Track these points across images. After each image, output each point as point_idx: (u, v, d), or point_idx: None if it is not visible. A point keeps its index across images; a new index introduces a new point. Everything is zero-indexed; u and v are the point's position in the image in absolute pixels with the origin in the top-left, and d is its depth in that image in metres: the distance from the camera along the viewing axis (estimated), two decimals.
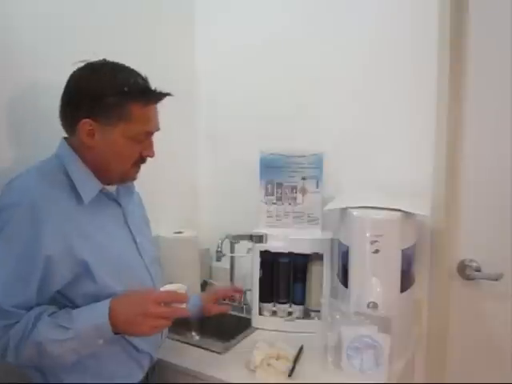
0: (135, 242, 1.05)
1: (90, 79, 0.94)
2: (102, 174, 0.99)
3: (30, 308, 0.88)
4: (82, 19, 1.26)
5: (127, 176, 1.03)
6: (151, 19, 1.50)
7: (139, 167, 1.04)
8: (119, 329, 0.89)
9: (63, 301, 0.93)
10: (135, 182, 1.10)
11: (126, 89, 0.93)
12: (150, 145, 1.02)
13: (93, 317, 0.88)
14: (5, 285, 0.87)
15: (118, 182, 1.04)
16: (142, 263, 1.05)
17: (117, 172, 1.01)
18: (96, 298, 0.91)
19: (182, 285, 0.99)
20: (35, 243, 0.87)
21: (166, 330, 1.12)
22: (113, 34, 1.33)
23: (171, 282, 1.02)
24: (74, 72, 0.96)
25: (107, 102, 0.93)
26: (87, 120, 0.93)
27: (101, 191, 1.00)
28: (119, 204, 1.05)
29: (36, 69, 1.15)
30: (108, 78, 0.94)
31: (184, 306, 0.94)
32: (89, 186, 0.97)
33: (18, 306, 0.87)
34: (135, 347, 1.01)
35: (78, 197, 0.95)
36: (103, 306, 0.89)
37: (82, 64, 0.96)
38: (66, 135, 1.00)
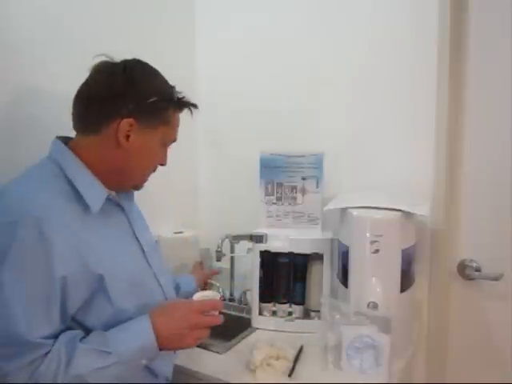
0: (143, 252, 0.98)
1: (135, 78, 0.89)
2: (116, 179, 0.93)
3: (56, 336, 0.80)
4: (81, 19, 1.25)
5: (140, 183, 1.00)
6: (151, 19, 1.50)
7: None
8: (162, 345, 0.84)
9: (77, 328, 0.85)
10: None
11: (170, 92, 0.94)
12: (166, 154, 1.01)
13: (135, 337, 0.82)
14: (25, 316, 0.76)
15: (127, 189, 1.01)
16: (151, 273, 0.99)
17: (134, 178, 0.98)
18: (112, 321, 0.85)
19: (215, 292, 1.00)
20: (47, 265, 0.77)
21: None
22: (112, 34, 1.33)
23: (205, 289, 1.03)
24: (109, 67, 0.90)
25: (155, 103, 0.90)
26: (129, 120, 0.88)
27: (106, 198, 0.92)
28: (122, 209, 0.97)
29: (36, 69, 1.15)
30: (154, 79, 0.93)
31: (217, 313, 0.93)
32: (95, 192, 0.88)
33: (45, 336, 0.78)
34: (152, 372, 0.94)
35: (83, 206, 0.86)
36: (143, 324, 0.83)
37: (103, 58, 0.91)
38: (58, 135, 0.93)
